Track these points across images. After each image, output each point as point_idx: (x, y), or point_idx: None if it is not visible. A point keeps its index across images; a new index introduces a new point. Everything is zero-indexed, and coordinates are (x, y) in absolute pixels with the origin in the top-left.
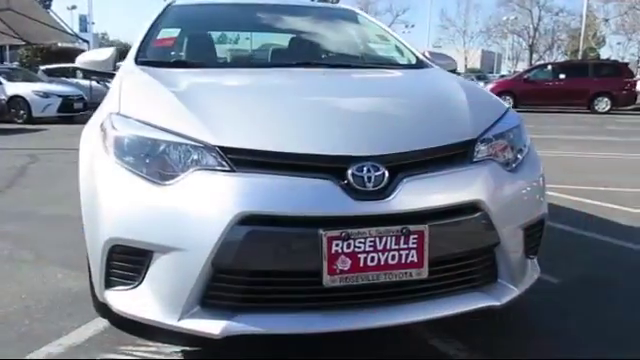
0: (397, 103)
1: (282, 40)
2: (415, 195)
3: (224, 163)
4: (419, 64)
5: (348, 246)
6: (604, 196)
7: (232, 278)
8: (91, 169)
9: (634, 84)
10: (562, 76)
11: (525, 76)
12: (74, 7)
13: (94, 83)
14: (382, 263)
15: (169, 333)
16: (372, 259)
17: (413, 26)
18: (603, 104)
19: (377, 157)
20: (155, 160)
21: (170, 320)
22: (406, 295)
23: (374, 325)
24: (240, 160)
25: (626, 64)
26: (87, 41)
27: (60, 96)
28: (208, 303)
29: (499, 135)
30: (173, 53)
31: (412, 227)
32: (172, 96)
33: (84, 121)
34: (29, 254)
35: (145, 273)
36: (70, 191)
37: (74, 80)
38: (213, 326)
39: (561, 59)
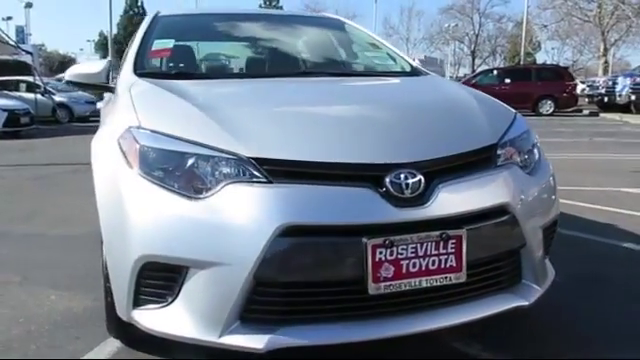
0: (418, 110)
1: (279, 49)
2: (450, 200)
3: (260, 175)
4: (414, 71)
5: (391, 253)
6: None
7: (273, 291)
8: (113, 185)
9: (574, 87)
10: (507, 80)
11: (472, 81)
12: (10, 18)
13: (39, 96)
14: (423, 269)
15: (187, 350)
16: (414, 265)
17: None
18: (547, 107)
19: (413, 164)
20: (186, 174)
21: (210, 337)
22: (444, 299)
23: (417, 330)
24: (275, 171)
25: (566, 68)
26: (30, 52)
27: (5, 110)
28: (248, 317)
29: (514, 139)
30: (172, 64)
31: (451, 232)
32: (192, 108)
33: (32, 136)
34: (15, 276)
35: (179, 290)
36: (36, 209)
37: (17, 93)
38: (256, 341)
39: (503, 64)
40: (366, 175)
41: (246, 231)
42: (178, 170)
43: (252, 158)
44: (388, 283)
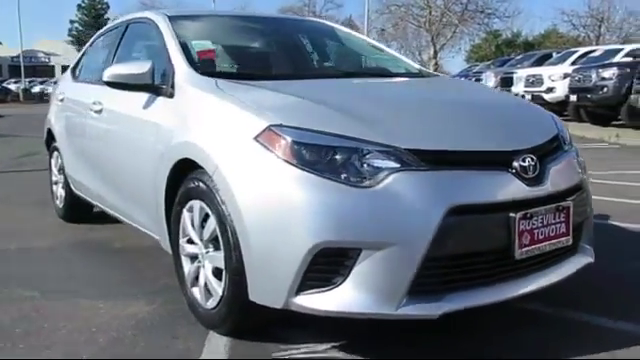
0: (496, 106)
1: (315, 51)
2: (556, 178)
3: (418, 164)
4: (423, 72)
5: (528, 224)
6: None
7: (439, 264)
8: (267, 183)
9: None
10: None
11: None
12: None
13: None
14: (547, 235)
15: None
16: (541, 233)
17: None
18: None
19: (529, 149)
20: (349, 166)
21: (388, 310)
22: (549, 261)
23: (541, 286)
24: (428, 160)
25: None
26: None
27: None
28: (417, 289)
29: (562, 129)
30: (229, 65)
31: (564, 204)
32: (316, 105)
33: None
34: (30, 291)
35: (350, 271)
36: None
37: None
38: (429, 309)
39: None
40: (500, 160)
41: (418, 213)
42: (340, 163)
43: (407, 149)
44: (526, 249)
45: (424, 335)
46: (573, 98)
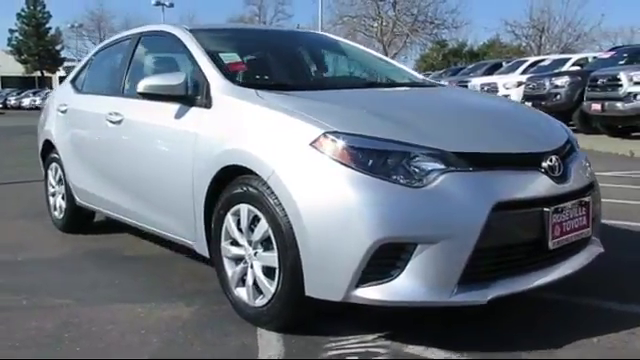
0: (515, 111)
1: (336, 63)
2: (576, 176)
3: (463, 165)
4: (426, 82)
5: (559, 218)
6: None
7: (484, 255)
8: (327, 185)
9: None
10: None
11: None
12: None
13: None
14: (573, 227)
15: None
16: (568, 225)
17: None
18: None
19: (553, 151)
20: (401, 167)
21: (441, 298)
22: (571, 250)
23: (567, 273)
24: (470, 162)
25: None
26: None
27: None
28: (467, 278)
29: (569, 133)
30: (258, 77)
31: (585, 199)
32: (364, 113)
33: None
34: (63, 299)
35: (406, 264)
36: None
37: None
38: (478, 295)
39: None
40: (531, 161)
41: (468, 209)
42: (394, 165)
43: (453, 152)
44: (557, 240)
45: (455, 316)
46: (528, 105)
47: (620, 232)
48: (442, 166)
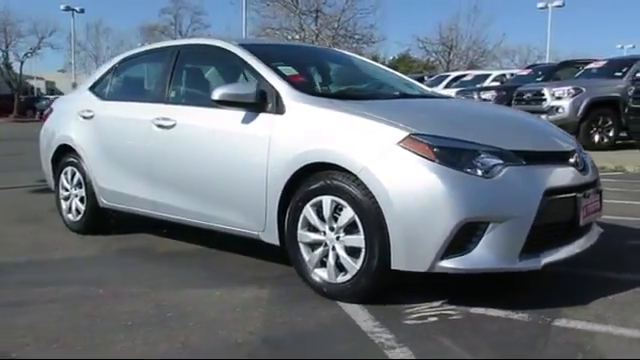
0: (530, 118)
1: (373, 76)
2: (591, 170)
3: (519, 160)
4: (435, 94)
5: (585, 202)
6: None
7: (538, 231)
8: (415, 177)
9: None
10: None
11: None
12: None
13: None
14: (593, 210)
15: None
16: (589, 208)
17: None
18: None
19: (574, 150)
20: (474, 162)
21: (508, 265)
22: (588, 228)
23: (585, 247)
24: (523, 157)
25: None
26: None
27: None
28: (525, 249)
29: (572, 137)
30: (317, 87)
31: (600, 187)
32: (429, 117)
33: None
34: (141, 287)
35: (480, 238)
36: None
37: None
38: (534, 262)
39: None
40: (563, 157)
41: (527, 195)
42: (468, 160)
43: (510, 150)
44: (585, 219)
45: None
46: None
47: None
48: (502, 161)
